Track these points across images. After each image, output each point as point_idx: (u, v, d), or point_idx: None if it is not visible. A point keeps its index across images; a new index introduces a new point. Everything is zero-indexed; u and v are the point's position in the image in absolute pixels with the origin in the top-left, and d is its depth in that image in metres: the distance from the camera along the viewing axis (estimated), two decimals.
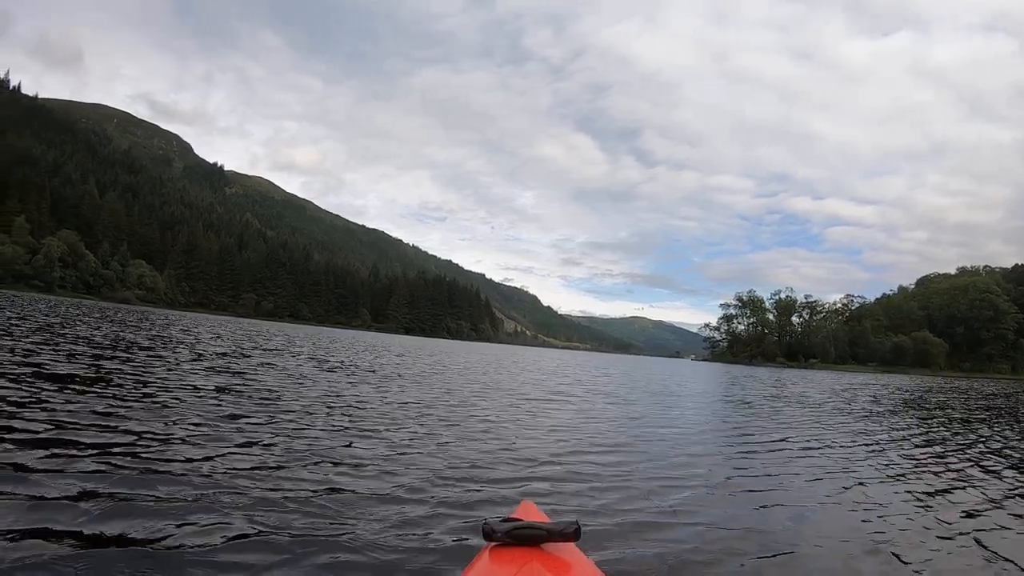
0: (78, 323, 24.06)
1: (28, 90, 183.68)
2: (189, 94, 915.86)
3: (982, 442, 10.83)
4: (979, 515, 5.41)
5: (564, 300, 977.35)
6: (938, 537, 4.60)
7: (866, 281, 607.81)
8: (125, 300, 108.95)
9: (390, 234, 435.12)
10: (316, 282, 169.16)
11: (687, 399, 17.80)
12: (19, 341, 13.00)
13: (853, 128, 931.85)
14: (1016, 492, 6.51)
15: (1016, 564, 4.11)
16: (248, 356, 17.34)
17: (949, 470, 7.69)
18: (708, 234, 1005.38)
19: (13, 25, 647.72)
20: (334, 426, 7.05)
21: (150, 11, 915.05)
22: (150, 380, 9.20)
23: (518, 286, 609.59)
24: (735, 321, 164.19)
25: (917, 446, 9.96)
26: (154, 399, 7.49)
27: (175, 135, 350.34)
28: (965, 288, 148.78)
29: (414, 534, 3.72)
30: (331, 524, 3.75)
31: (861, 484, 6.43)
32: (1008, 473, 7.69)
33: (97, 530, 3.30)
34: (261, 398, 8.71)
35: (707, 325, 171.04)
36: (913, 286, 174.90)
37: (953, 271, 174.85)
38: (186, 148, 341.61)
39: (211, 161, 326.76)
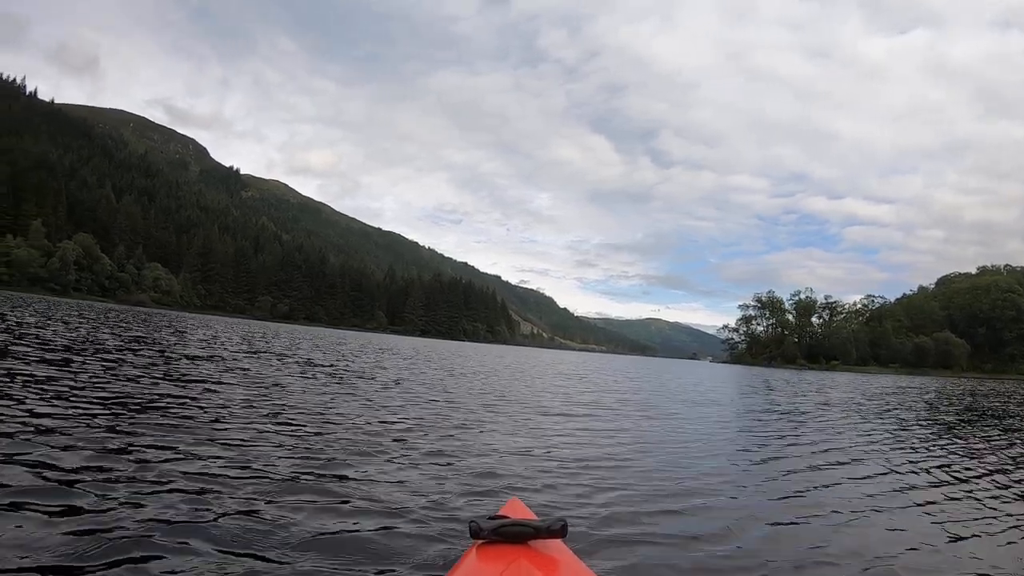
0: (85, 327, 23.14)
1: (44, 95, 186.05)
2: (205, 99, 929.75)
3: None
4: None
5: (580, 302, 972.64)
6: None
7: (883, 281, 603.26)
8: (140, 303, 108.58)
9: (406, 237, 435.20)
10: (332, 284, 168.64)
11: (735, 411, 15.68)
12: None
13: (870, 126, 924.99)
14: None
15: None
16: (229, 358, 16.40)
17: None
18: (724, 235, 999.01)
19: (30, 31, 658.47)
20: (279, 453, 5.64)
21: (166, 17, 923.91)
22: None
23: (534, 288, 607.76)
24: (754, 322, 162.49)
25: None
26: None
27: (191, 139, 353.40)
28: (987, 288, 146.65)
29: (400, 532, 3.69)
30: (313, 525, 3.67)
31: None
32: None
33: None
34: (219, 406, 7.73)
35: (726, 327, 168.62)
36: (933, 286, 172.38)
37: (973, 270, 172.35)
38: (202, 152, 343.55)
39: (227, 165, 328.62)
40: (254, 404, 8.11)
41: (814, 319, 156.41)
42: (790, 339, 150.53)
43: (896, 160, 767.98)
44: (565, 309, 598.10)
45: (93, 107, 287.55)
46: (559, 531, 2.08)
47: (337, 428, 6.96)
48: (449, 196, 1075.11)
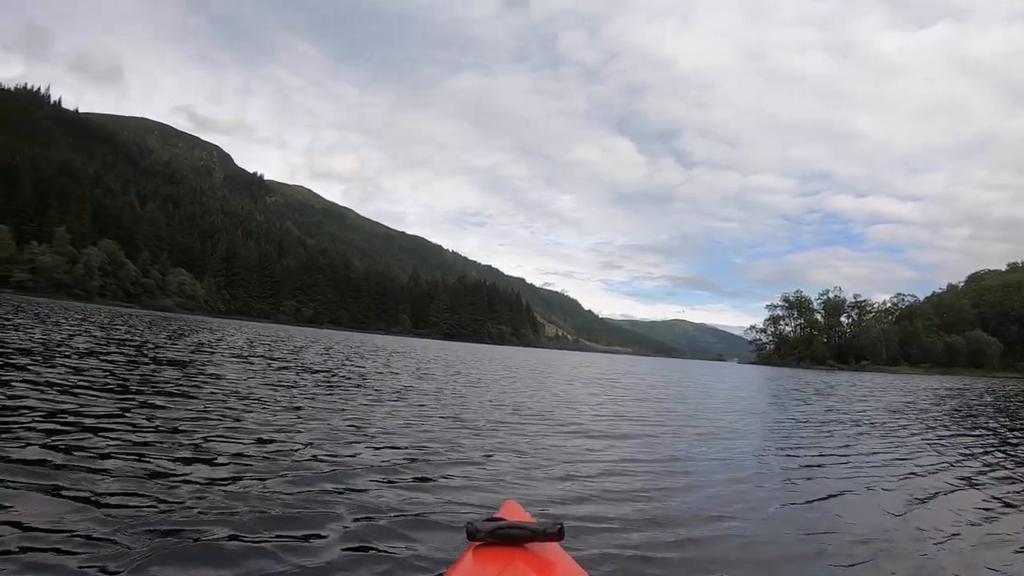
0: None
1: (69, 104, 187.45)
2: (228, 105, 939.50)
3: None
4: None
5: (605, 304, 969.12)
6: None
7: (910, 280, 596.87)
8: (164, 308, 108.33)
9: (430, 240, 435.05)
10: (356, 288, 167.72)
11: (804, 423, 12.38)
12: None
13: (893, 124, 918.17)
14: None
15: None
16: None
17: None
18: (749, 235, 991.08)
19: (54, 42, 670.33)
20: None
21: (187, 25, 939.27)
22: None
23: (558, 290, 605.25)
24: (782, 322, 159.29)
25: None
26: None
27: (215, 146, 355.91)
28: (1018, 284, 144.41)
29: (397, 535, 3.68)
30: (310, 527, 3.69)
31: None
32: None
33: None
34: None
35: (753, 327, 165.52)
36: (963, 283, 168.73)
37: (1003, 267, 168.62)
38: (226, 158, 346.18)
39: (251, 171, 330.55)
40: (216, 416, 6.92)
41: (843, 319, 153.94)
42: (819, 339, 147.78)
43: (920, 157, 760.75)
44: (590, 311, 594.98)
45: (117, 115, 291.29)
46: (556, 534, 2.06)
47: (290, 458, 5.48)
48: (472, 199, 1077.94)
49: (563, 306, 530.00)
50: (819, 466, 7.37)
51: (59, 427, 5.48)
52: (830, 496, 5.70)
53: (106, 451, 4.82)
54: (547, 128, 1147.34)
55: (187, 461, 4.81)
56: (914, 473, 7.19)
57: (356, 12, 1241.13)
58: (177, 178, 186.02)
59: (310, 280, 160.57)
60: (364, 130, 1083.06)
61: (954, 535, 4.65)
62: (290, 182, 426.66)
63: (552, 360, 48.38)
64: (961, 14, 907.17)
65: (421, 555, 3.40)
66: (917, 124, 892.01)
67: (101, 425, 5.74)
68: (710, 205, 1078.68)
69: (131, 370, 10.40)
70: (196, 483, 4.25)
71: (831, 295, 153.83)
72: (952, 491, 6.24)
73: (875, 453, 8.64)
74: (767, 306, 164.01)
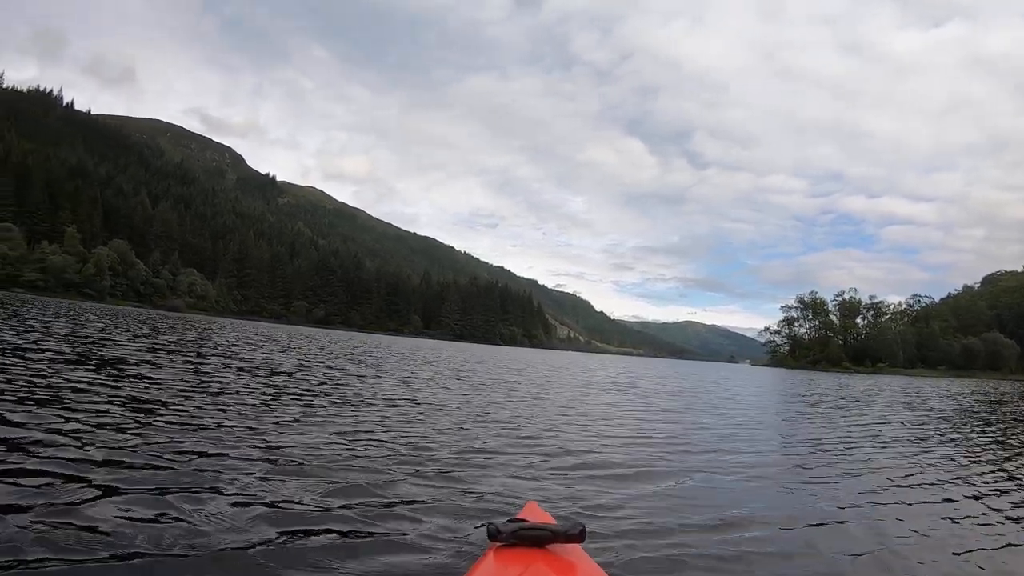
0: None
1: (81, 107, 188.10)
2: (240, 107, 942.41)
3: None
4: None
5: (616, 305, 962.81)
6: None
7: (924, 281, 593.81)
8: (175, 308, 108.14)
9: (441, 241, 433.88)
10: (367, 289, 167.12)
11: (863, 435, 10.39)
12: None
13: (907, 123, 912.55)
14: None
15: None
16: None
17: None
18: (761, 236, 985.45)
19: (67, 45, 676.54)
20: None
21: (199, 28, 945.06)
22: None
23: (570, 292, 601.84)
24: (796, 324, 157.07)
25: None
26: None
27: (228, 147, 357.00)
28: None
29: (418, 534, 3.64)
30: (330, 524, 3.66)
31: None
32: None
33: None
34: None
35: (767, 329, 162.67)
36: (979, 284, 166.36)
37: (1020, 268, 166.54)
38: (238, 160, 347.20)
39: (263, 172, 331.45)
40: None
41: (858, 320, 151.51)
42: (835, 341, 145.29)
43: (934, 157, 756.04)
44: (601, 312, 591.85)
45: (130, 117, 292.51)
46: (577, 535, 2.08)
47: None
48: (484, 201, 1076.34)
49: (575, 307, 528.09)
50: (887, 489, 6.18)
51: None
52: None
53: None
54: (559, 129, 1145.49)
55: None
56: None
57: (368, 14, 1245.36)
58: (189, 179, 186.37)
59: (321, 281, 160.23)
60: (376, 131, 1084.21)
61: None
62: (302, 183, 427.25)
63: (562, 362, 46.88)
64: (974, 12, 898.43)
65: (442, 553, 3.36)
66: (930, 124, 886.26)
67: None
68: (722, 206, 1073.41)
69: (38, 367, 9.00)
70: None
71: (847, 296, 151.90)
72: None
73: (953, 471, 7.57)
74: (781, 307, 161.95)
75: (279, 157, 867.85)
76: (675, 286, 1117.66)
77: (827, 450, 8.81)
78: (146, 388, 8.20)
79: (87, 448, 4.67)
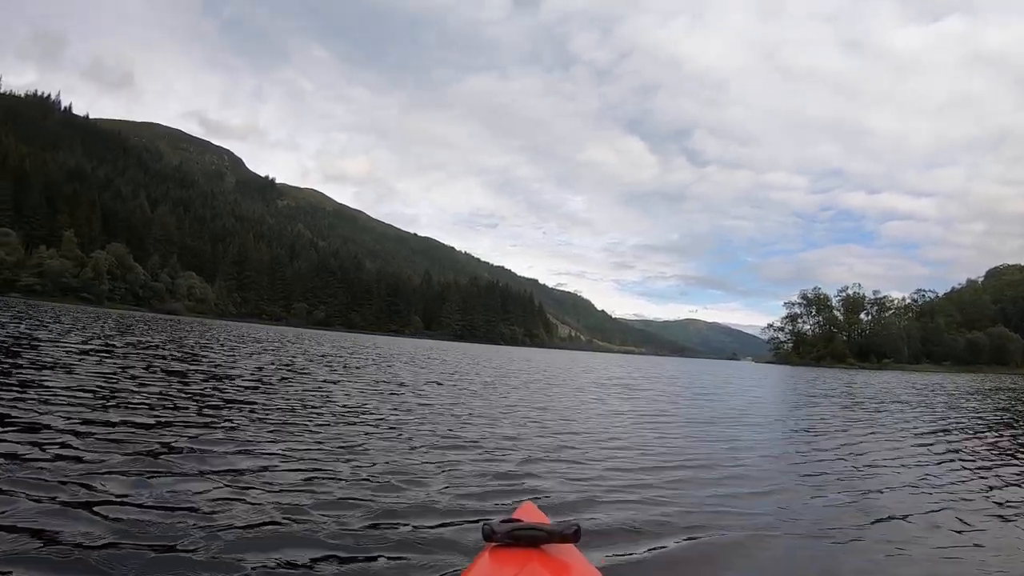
0: None
1: (80, 111, 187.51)
2: (239, 109, 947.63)
3: None
4: None
5: (617, 304, 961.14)
6: None
7: (925, 277, 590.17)
8: (173, 311, 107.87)
9: (442, 242, 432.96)
10: (368, 290, 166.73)
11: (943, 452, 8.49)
12: None
13: (907, 119, 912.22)
14: None
15: None
16: None
17: None
18: (761, 233, 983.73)
19: (65, 48, 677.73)
20: None
21: (198, 30, 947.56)
22: None
23: (571, 291, 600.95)
24: (800, 320, 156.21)
25: None
26: None
27: (227, 150, 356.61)
28: None
29: (413, 534, 3.67)
30: (326, 525, 3.68)
31: None
32: None
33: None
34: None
35: (770, 326, 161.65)
36: (982, 279, 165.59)
37: (1022, 262, 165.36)
38: (238, 162, 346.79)
39: (263, 175, 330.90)
40: None
41: (862, 316, 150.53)
42: (839, 337, 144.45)
43: (934, 153, 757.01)
44: (602, 311, 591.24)
45: (129, 121, 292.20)
46: (572, 536, 2.08)
47: None
48: (484, 201, 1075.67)
49: (576, 306, 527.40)
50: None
51: None
52: None
53: None
54: (559, 129, 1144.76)
55: None
56: None
57: (368, 14, 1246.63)
58: (188, 182, 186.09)
59: (321, 282, 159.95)
60: (376, 132, 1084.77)
61: None
62: (302, 185, 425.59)
63: (564, 362, 45.98)
64: (973, 7, 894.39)
65: (437, 554, 3.38)
66: (930, 119, 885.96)
67: None
68: (722, 204, 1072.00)
69: None
70: None
71: (851, 292, 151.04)
72: None
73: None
74: (785, 304, 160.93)
75: (279, 159, 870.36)
76: (676, 284, 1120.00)
77: (938, 483, 6.55)
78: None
79: None
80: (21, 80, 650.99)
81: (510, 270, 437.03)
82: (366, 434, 6.77)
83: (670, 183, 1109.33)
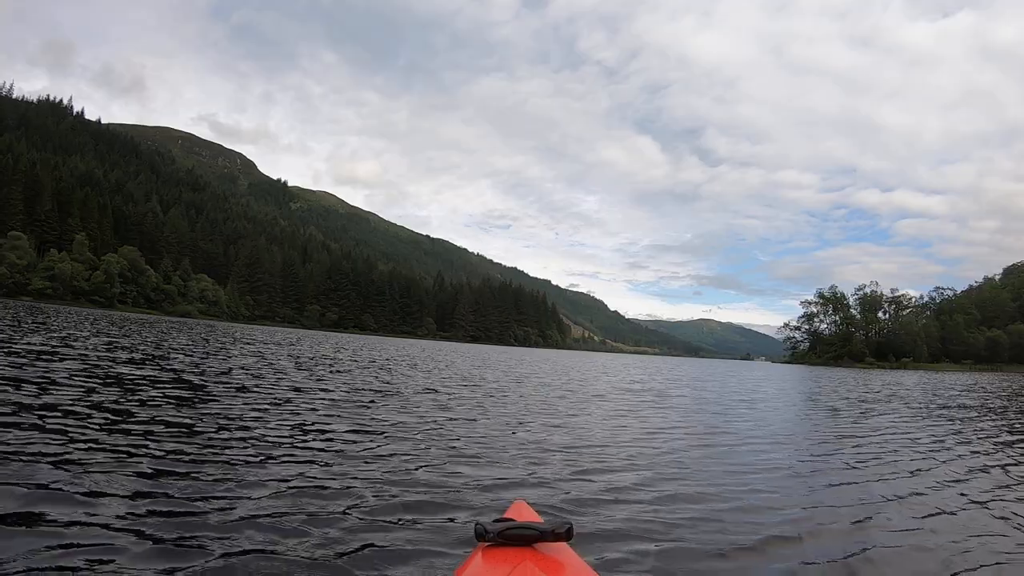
0: None
1: (91, 116, 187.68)
2: (250, 114, 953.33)
3: None
4: None
5: (631, 304, 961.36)
6: None
7: (938, 275, 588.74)
8: (186, 314, 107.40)
9: (454, 243, 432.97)
10: (380, 292, 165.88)
11: None
12: None
13: (919, 115, 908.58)
14: None
15: None
16: None
17: None
18: (774, 232, 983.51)
19: (78, 55, 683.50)
20: None
21: (208, 37, 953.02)
22: None
23: (584, 291, 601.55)
24: (816, 319, 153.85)
25: None
26: None
27: (239, 154, 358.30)
28: None
29: (405, 535, 3.60)
30: (319, 525, 3.62)
31: None
32: None
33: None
34: None
35: (786, 325, 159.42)
36: (1000, 276, 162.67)
37: None
38: (250, 166, 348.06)
39: (275, 178, 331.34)
40: None
41: (880, 315, 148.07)
42: (857, 336, 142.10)
43: (946, 149, 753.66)
44: (616, 312, 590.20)
45: (143, 125, 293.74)
46: (564, 534, 2.07)
47: None
48: (496, 202, 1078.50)
49: (589, 307, 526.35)
50: None
51: None
52: None
53: None
54: (570, 129, 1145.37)
55: None
56: None
57: (376, 18, 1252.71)
58: (200, 185, 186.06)
59: (334, 284, 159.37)
60: (387, 135, 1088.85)
61: None
62: (314, 188, 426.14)
63: (576, 363, 43.82)
64: (984, 2, 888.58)
65: (429, 554, 3.33)
66: (942, 115, 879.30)
67: None
68: (734, 203, 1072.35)
69: None
70: None
71: (868, 290, 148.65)
72: None
73: None
74: (801, 303, 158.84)
75: (290, 163, 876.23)
76: (689, 284, 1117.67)
77: None
78: None
79: None
80: (33, 86, 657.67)
81: (523, 271, 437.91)
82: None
83: (682, 182, 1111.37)
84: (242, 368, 13.53)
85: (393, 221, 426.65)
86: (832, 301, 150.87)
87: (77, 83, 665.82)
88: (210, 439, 5.62)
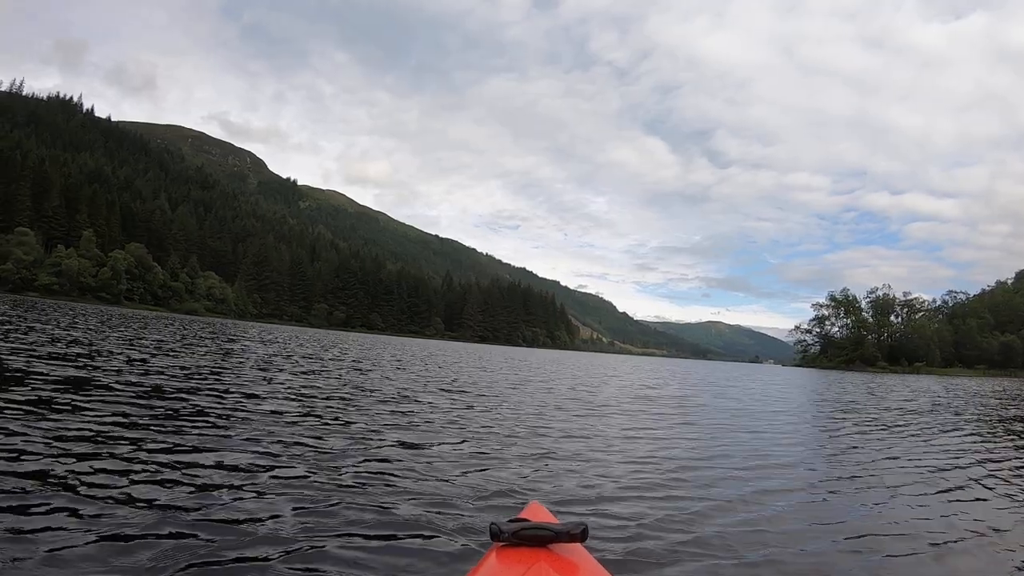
0: None
1: (102, 113, 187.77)
2: (261, 113, 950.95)
3: None
4: None
5: (639, 306, 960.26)
6: None
7: (949, 279, 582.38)
8: (192, 311, 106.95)
9: (463, 243, 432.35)
10: (388, 291, 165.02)
11: None
12: None
13: (930, 118, 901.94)
14: None
15: None
16: None
17: None
18: (784, 235, 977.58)
19: (89, 54, 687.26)
20: None
21: (220, 35, 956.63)
22: None
23: (593, 292, 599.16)
24: (827, 323, 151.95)
25: None
26: None
27: (249, 152, 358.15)
28: None
29: (420, 534, 3.61)
30: (335, 523, 3.65)
31: None
32: None
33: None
34: None
35: (797, 328, 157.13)
36: (1012, 280, 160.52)
37: None
38: (260, 165, 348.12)
39: (285, 176, 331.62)
40: None
41: (892, 318, 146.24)
42: (869, 340, 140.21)
43: (958, 152, 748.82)
44: (624, 313, 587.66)
45: (151, 123, 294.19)
46: (579, 535, 2.07)
47: None
48: (505, 202, 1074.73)
49: (597, 308, 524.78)
50: None
51: None
52: None
53: None
54: (580, 129, 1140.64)
55: None
56: None
57: (387, 18, 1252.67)
58: (209, 183, 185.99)
59: (342, 283, 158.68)
60: (397, 135, 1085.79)
61: None
62: (324, 187, 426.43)
63: (583, 365, 42.58)
64: (997, 3, 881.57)
65: (444, 553, 3.34)
66: (954, 117, 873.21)
67: None
68: (744, 205, 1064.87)
69: None
70: None
71: (880, 293, 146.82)
72: None
73: None
74: (813, 305, 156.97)
75: (301, 162, 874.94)
76: (698, 286, 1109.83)
77: None
78: None
79: None
80: (44, 84, 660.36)
81: (532, 272, 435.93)
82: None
83: (692, 184, 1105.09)
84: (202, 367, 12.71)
85: (403, 221, 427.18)
86: (844, 304, 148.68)
87: (90, 81, 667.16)
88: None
